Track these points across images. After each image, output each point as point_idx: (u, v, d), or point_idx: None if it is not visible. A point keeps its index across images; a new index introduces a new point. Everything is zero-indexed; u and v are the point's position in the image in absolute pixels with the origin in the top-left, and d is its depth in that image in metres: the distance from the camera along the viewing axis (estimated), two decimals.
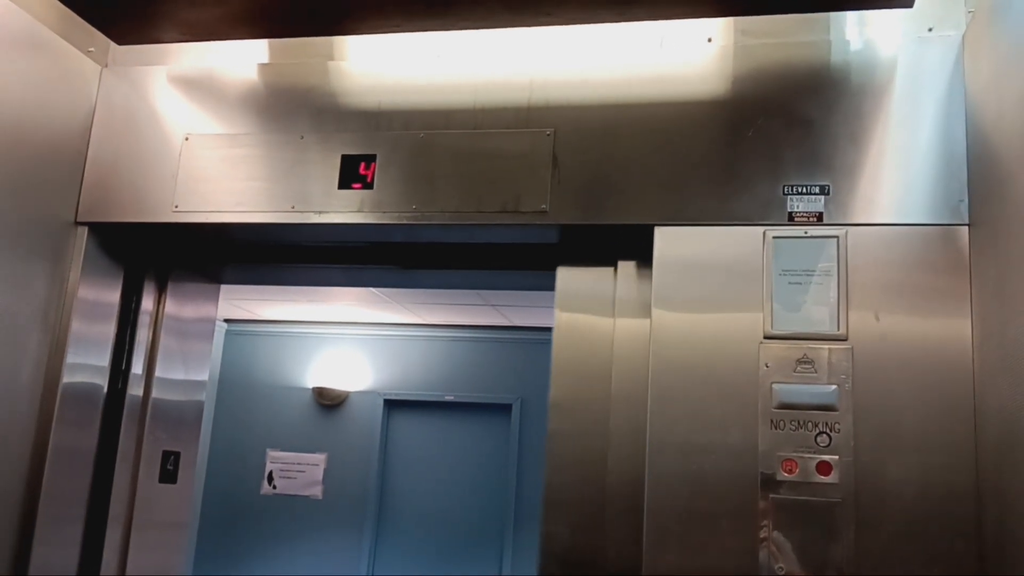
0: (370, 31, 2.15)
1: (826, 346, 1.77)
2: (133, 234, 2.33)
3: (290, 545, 6.82)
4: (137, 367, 2.45)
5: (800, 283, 1.81)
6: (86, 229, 2.25)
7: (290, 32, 2.20)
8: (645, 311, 1.97)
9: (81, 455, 2.29)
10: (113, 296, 2.39)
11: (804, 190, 1.85)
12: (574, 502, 2.01)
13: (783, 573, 1.70)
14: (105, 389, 2.36)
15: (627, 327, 2.04)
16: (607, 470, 1.97)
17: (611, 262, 2.10)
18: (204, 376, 2.76)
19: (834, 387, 1.75)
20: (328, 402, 7.01)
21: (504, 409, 6.78)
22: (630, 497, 1.91)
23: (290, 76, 2.24)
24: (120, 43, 2.28)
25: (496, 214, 2.01)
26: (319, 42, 2.26)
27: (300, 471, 6.91)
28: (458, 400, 6.87)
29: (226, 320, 7.15)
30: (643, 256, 1.99)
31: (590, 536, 1.98)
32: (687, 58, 2.01)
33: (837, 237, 1.82)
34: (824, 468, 1.72)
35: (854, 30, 1.94)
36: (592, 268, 2.11)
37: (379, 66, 2.19)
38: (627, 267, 2.08)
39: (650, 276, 1.94)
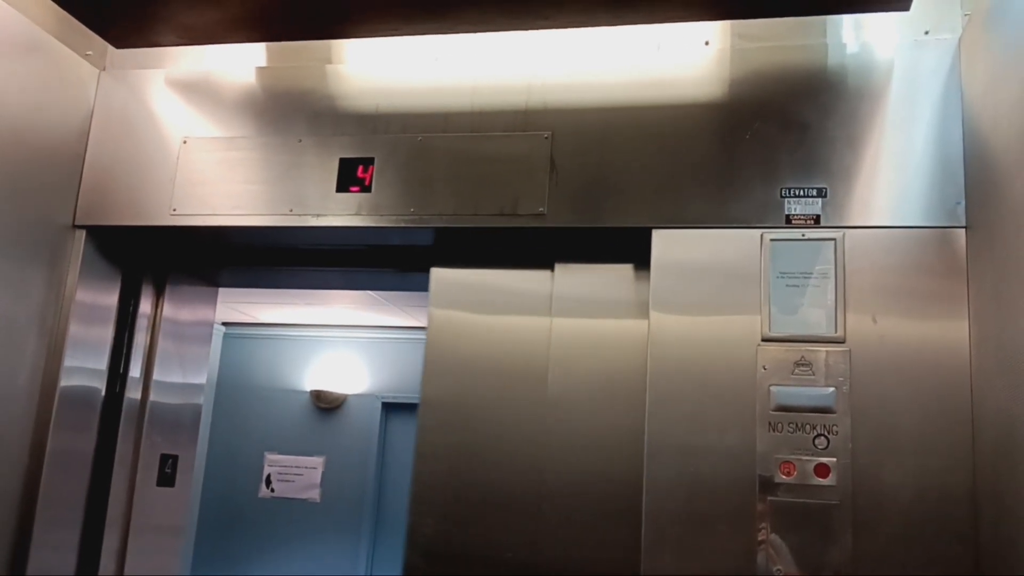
0: (368, 34, 2.16)
1: (824, 348, 1.77)
2: (131, 237, 2.33)
3: (288, 548, 6.80)
4: (135, 370, 2.45)
5: (798, 285, 1.82)
6: (84, 232, 2.25)
7: (288, 35, 2.21)
8: (588, 311, 2.05)
9: (79, 458, 2.29)
10: (111, 299, 2.39)
11: (801, 193, 1.86)
12: (441, 496, 2.07)
13: (781, 575, 1.70)
14: (103, 392, 2.36)
15: (566, 327, 2.08)
16: (544, 468, 2.00)
17: (548, 265, 2.13)
18: (202, 379, 2.76)
19: (832, 389, 1.75)
20: (326, 405, 7.01)
21: None
22: (569, 496, 1.97)
23: (288, 79, 2.24)
24: (118, 46, 2.28)
25: (494, 217, 2.01)
26: (317, 45, 2.26)
27: (298, 474, 6.90)
28: None
29: (224, 323, 7.14)
30: (582, 258, 2.09)
31: (458, 529, 2.06)
32: (684, 61, 2.01)
33: (834, 240, 1.82)
34: (822, 470, 1.72)
35: (851, 33, 1.95)
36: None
37: (377, 69, 2.20)
38: (565, 269, 2.12)
39: (591, 277, 2.06)
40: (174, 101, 2.30)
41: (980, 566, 1.62)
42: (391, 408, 7.01)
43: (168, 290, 2.55)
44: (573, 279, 2.11)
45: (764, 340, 1.81)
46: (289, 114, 2.20)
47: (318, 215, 2.11)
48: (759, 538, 1.73)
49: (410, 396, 6.91)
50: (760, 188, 1.88)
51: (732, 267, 1.86)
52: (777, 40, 1.97)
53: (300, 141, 2.17)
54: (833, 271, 1.80)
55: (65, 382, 2.20)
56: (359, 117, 2.16)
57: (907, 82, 1.87)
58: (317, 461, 6.89)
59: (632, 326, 2.01)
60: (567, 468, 2.00)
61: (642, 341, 1.93)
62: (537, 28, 2.06)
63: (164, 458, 2.54)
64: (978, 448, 1.66)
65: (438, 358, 2.15)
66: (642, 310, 1.96)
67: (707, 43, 2.01)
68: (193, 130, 2.26)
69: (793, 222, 1.85)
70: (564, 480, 1.99)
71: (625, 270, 2.08)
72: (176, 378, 2.60)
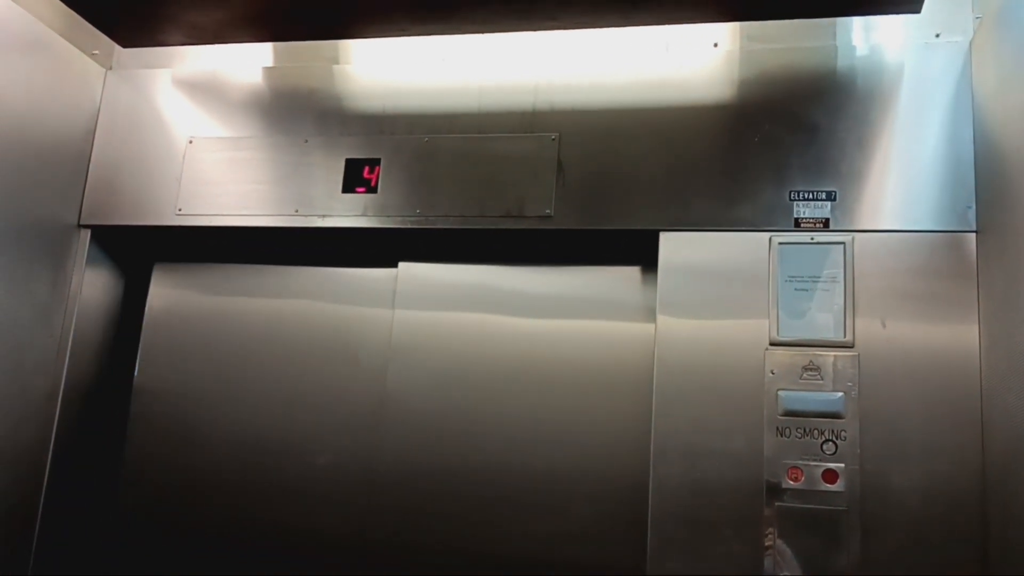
0: (375, 35, 2.15)
1: (832, 353, 1.76)
2: (136, 237, 2.32)
3: None
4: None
5: (806, 289, 1.80)
6: (89, 232, 2.25)
7: (295, 35, 2.20)
8: (426, 304, 2.19)
9: (85, 456, 2.28)
10: (116, 299, 2.38)
11: (810, 196, 1.84)
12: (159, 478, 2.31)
13: None
14: (108, 392, 2.35)
15: (408, 319, 2.20)
16: (381, 459, 2.13)
17: (393, 263, 2.25)
18: None
19: (840, 394, 1.74)
20: None
21: None
22: (397, 485, 2.10)
23: (294, 79, 2.24)
24: (124, 46, 2.27)
25: (500, 219, 2.00)
26: (324, 45, 2.25)
27: None
28: None
29: None
30: (424, 257, 2.22)
31: (175, 504, 2.28)
32: (693, 63, 2.00)
33: (844, 243, 1.81)
34: (830, 476, 1.71)
35: (861, 36, 1.94)
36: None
37: (384, 70, 2.19)
38: (407, 267, 2.24)
39: (431, 274, 2.21)
40: (180, 101, 2.29)
41: (989, 573, 1.60)
42: None
43: None
44: (416, 274, 2.24)
45: (772, 344, 1.80)
46: (295, 114, 2.20)
47: (324, 216, 2.10)
48: (766, 544, 1.71)
49: None
50: (769, 191, 1.87)
51: (740, 270, 1.85)
52: (786, 42, 1.96)
53: (306, 141, 2.16)
54: (842, 275, 1.79)
55: (69, 381, 2.19)
56: (366, 118, 2.16)
57: (917, 85, 1.86)
58: None
59: (470, 319, 2.17)
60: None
61: (484, 333, 2.14)
62: (544, 29, 2.05)
63: None
64: (988, 453, 1.64)
65: (155, 346, 2.38)
66: (488, 305, 2.17)
67: (716, 45, 2.00)
68: (199, 130, 2.25)
69: (802, 225, 1.84)
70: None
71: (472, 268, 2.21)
72: None
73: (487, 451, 2.08)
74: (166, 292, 2.41)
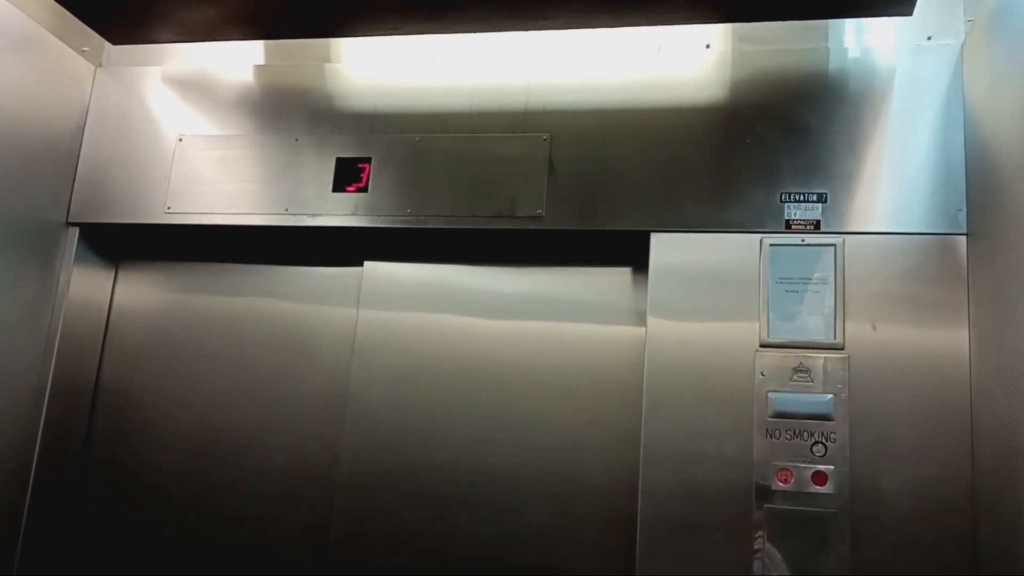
0: (366, 33, 2.14)
1: (822, 355, 1.76)
2: (125, 235, 2.31)
3: None
4: None
5: (797, 291, 1.80)
6: (77, 230, 2.24)
7: (286, 34, 2.19)
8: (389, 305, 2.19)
9: (70, 455, 2.27)
10: (104, 297, 2.37)
11: (801, 198, 1.84)
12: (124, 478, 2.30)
13: None
14: (95, 391, 2.34)
15: (372, 319, 2.20)
16: (344, 458, 2.12)
17: (359, 263, 2.25)
18: None
19: (830, 396, 1.73)
20: None
21: None
22: (358, 489, 2.09)
23: (285, 78, 2.23)
24: (115, 43, 2.26)
25: (492, 219, 1.99)
26: (315, 44, 2.25)
27: None
28: None
29: None
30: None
31: (140, 503, 2.28)
32: (685, 64, 2.00)
33: (834, 245, 1.80)
34: (819, 478, 1.70)
35: (853, 38, 1.94)
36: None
37: (375, 69, 2.18)
38: (371, 267, 2.24)
39: (391, 275, 2.22)
40: (170, 98, 2.28)
41: (979, 575, 1.61)
42: None
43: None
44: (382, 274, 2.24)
45: (762, 346, 1.79)
46: (286, 113, 2.19)
47: (314, 215, 2.09)
48: (756, 546, 1.71)
49: None
50: (760, 192, 1.87)
51: (731, 272, 1.85)
52: (779, 44, 1.96)
53: (297, 140, 2.15)
54: (832, 277, 1.79)
55: (57, 379, 2.18)
56: (357, 116, 2.15)
57: (909, 87, 1.86)
58: None
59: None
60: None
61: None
62: (537, 29, 2.05)
63: None
64: (977, 456, 1.64)
65: (120, 344, 2.37)
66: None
67: (708, 46, 2.00)
68: (189, 128, 2.24)
69: (793, 227, 1.84)
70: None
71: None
72: None
73: (456, 452, 2.07)
74: (132, 290, 2.41)
